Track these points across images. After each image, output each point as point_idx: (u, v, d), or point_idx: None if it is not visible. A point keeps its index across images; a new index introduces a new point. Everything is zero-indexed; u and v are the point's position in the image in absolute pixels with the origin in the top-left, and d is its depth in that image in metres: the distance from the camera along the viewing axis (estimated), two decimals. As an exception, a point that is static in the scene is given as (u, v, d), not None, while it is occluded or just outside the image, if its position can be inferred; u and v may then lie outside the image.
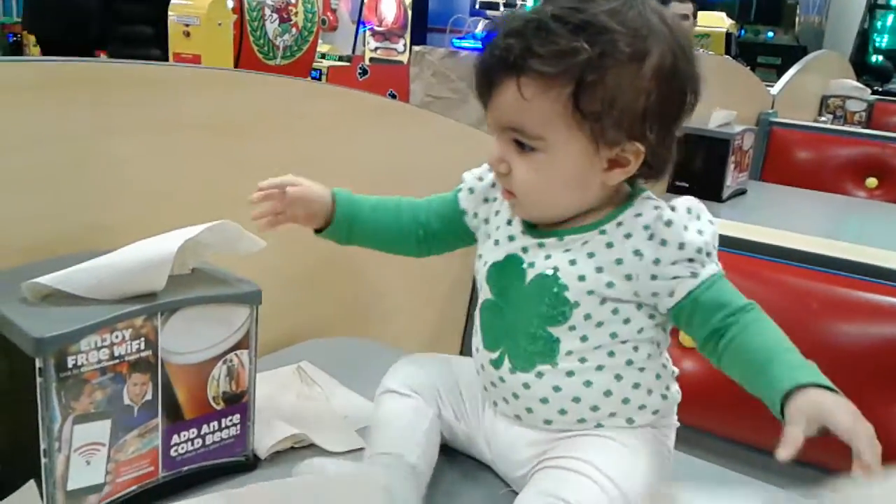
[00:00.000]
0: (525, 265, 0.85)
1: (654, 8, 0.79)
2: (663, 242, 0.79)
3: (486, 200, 0.93)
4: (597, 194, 0.83)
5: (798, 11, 7.21)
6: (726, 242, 1.42)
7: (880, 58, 7.13)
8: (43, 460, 0.74)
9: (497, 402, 0.88)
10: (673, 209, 0.81)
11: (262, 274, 0.89)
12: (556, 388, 0.82)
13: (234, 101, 1.20)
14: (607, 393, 0.82)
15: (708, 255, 0.80)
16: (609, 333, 0.81)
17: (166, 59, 4.17)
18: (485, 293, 0.89)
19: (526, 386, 0.84)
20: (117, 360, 0.77)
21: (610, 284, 0.80)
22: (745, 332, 0.78)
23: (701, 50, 4.66)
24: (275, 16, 4.82)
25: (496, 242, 0.89)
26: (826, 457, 1.30)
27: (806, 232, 1.49)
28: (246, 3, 4.61)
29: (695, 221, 0.80)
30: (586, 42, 0.74)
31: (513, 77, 0.77)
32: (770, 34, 7.37)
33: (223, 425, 0.88)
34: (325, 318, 1.37)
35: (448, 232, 0.97)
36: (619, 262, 0.81)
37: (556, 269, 0.82)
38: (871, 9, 7.25)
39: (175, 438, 0.84)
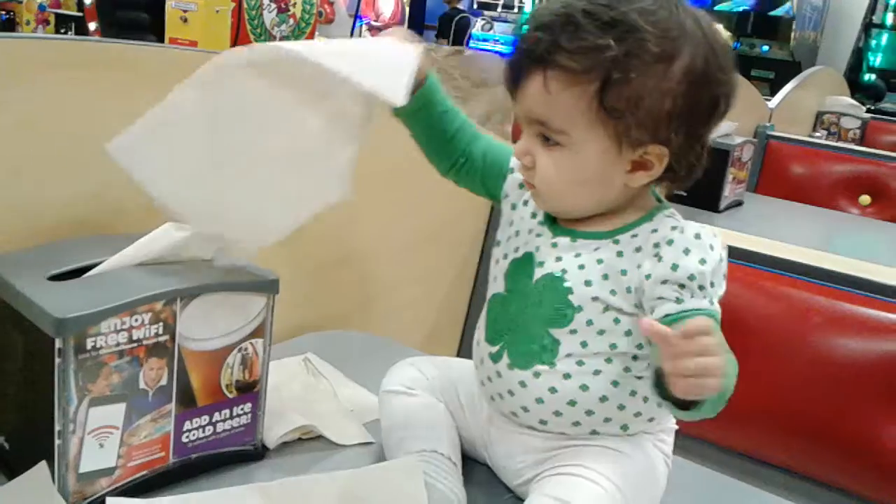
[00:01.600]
0: (535, 263, 0.84)
1: (689, 11, 0.78)
2: (659, 259, 0.77)
3: (520, 186, 0.91)
4: (619, 195, 0.82)
5: (794, 27, 7.24)
6: (730, 253, 1.44)
7: (874, 76, 7.18)
8: (56, 441, 0.74)
9: (493, 397, 0.87)
10: (682, 231, 0.78)
11: (271, 265, 0.89)
12: (553, 390, 0.82)
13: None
14: (603, 398, 0.81)
15: (701, 287, 0.75)
16: (609, 344, 0.80)
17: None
18: (497, 286, 0.88)
19: (522, 384, 0.83)
20: (135, 344, 0.76)
21: (613, 293, 0.80)
22: None
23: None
24: (273, 6, 4.79)
25: (517, 233, 0.88)
26: (820, 470, 1.32)
27: (803, 246, 1.50)
28: (244, -9, 4.59)
29: (700, 249, 0.76)
30: (614, 40, 0.74)
31: (540, 70, 0.77)
32: (765, 48, 7.40)
33: (234, 413, 0.87)
34: (329, 311, 1.37)
35: (482, 179, 0.94)
36: (623, 272, 0.80)
37: (564, 270, 0.82)
38: (867, 27, 7.30)
39: (187, 425, 0.83)
